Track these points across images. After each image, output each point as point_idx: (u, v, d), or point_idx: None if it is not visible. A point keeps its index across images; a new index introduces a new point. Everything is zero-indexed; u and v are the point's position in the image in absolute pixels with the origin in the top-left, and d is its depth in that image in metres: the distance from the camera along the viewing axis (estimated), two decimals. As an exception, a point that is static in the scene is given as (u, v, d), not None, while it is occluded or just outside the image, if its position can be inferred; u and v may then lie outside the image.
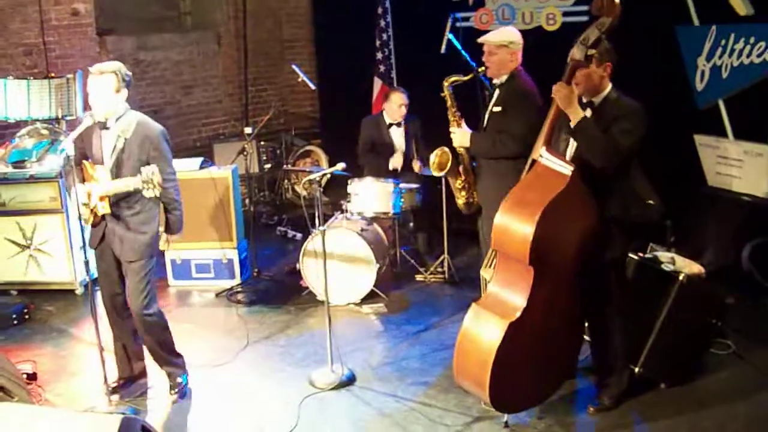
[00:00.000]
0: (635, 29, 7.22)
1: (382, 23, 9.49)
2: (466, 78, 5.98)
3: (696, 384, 5.31)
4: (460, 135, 5.90)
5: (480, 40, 5.83)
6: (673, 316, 5.16)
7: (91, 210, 5.11)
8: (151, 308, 5.26)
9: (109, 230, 5.16)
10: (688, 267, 5.31)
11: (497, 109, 5.69)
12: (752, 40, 6.70)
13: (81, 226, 5.06)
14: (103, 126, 5.10)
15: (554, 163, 4.57)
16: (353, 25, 9.82)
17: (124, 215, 5.12)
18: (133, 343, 5.50)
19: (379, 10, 9.44)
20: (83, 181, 5.17)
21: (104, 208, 5.02)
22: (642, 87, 7.17)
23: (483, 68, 5.81)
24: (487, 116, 5.81)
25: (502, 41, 5.64)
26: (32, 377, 5.66)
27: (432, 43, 8.72)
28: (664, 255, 5.58)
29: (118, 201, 5.08)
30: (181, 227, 5.38)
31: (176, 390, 5.43)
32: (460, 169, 6.10)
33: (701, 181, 7.26)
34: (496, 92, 5.76)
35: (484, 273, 5.10)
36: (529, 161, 4.79)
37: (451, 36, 8.45)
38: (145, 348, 5.50)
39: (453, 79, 5.99)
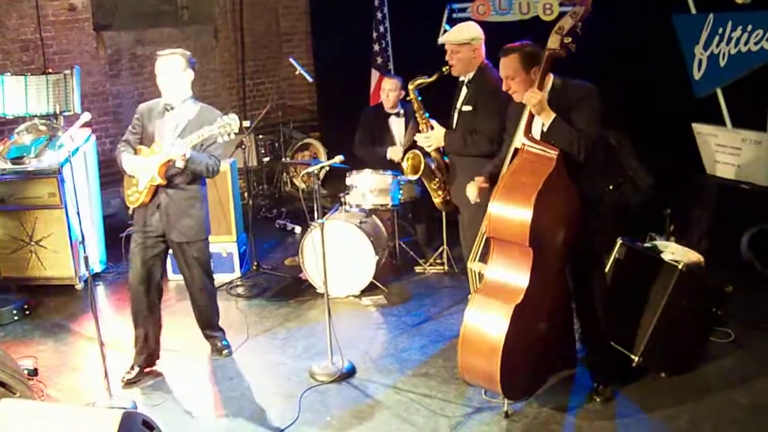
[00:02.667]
0: (633, 18, 7.26)
1: (379, 15, 9.49)
2: (431, 79, 5.99)
3: (696, 373, 5.31)
4: (435, 137, 5.92)
5: (440, 41, 5.86)
6: (673, 305, 5.16)
7: (144, 186, 5.34)
8: (212, 283, 5.83)
9: (163, 211, 5.41)
10: (687, 256, 5.31)
11: (467, 108, 5.69)
12: (750, 27, 6.70)
13: (79, 220, 5.08)
14: (169, 107, 5.38)
15: (539, 149, 4.63)
16: (350, 17, 9.83)
17: (175, 196, 5.39)
18: (152, 329, 5.62)
19: (376, 2, 9.45)
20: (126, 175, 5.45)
21: (160, 178, 5.26)
22: (640, 76, 7.24)
23: (446, 68, 5.77)
24: (456, 115, 5.80)
25: (463, 39, 5.63)
26: (33, 373, 5.66)
27: (429, 35, 8.73)
28: (663, 244, 5.58)
29: (171, 178, 5.33)
30: (200, 164, 5.35)
31: (224, 351, 5.92)
32: (434, 167, 6.12)
33: (700, 170, 7.27)
34: (464, 90, 5.75)
35: (472, 266, 5.10)
36: (511, 150, 4.83)
37: (448, 27, 8.48)
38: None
39: (418, 81, 6.04)
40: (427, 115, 6.15)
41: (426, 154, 6.18)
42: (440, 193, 6.24)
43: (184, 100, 5.41)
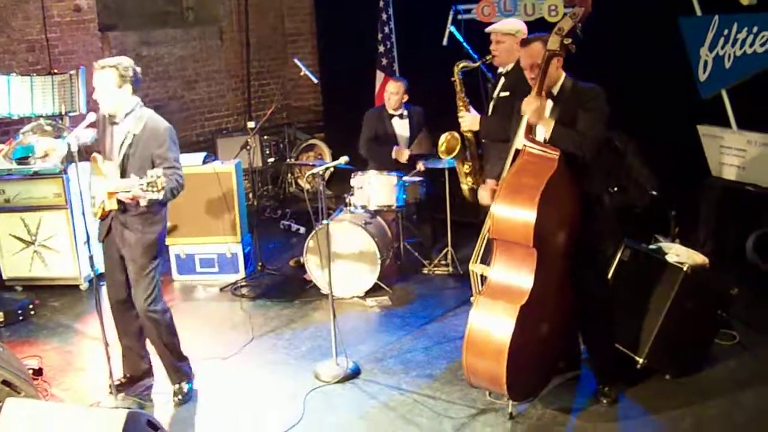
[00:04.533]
0: (639, 20, 7.26)
1: (384, 16, 9.50)
2: (475, 65, 6.23)
3: (701, 375, 5.30)
4: (470, 119, 6.11)
5: (488, 29, 6.05)
6: (677, 306, 5.15)
7: (99, 206, 5.12)
8: (156, 306, 5.21)
9: (115, 226, 5.15)
10: (692, 258, 5.30)
11: (505, 94, 5.85)
12: (755, 29, 6.69)
13: (85, 221, 5.05)
14: (113, 121, 5.11)
15: (540, 150, 4.66)
16: (355, 18, 9.83)
17: (130, 213, 5.09)
18: (136, 343, 5.46)
19: (381, 3, 9.46)
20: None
21: (111, 204, 5.01)
22: (645, 78, 7.23)
23: (490, 57, 5.97)
24: (493, 103, 5.97)
25: (510, 30, 5.89)
26: (38, 372, 5.68)
27: (434, 36, 8.73)
28: (668, 246, 5.59)
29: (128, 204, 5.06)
30: (167, 195, 5.00)
31: (180, 398, 5.32)
32: (467, 154, 6.19)
33: (705, 172, 7.26)
34: (502, 80, 5.93)
35: (474, 267, 5.10)
36: (512, 152, 4.85)
37: (452, 28, 8.49)
38: (150, 348, 5.49)
39: (463, 64, 6.20)
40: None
41: (463, 139, 6.26)
42: (469, 179, 6.30)
43: (127, 113, 5.06)
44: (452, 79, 6.20)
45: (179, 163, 5.16)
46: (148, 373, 5.56)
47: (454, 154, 6.38)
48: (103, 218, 5.20)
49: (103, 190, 5.00)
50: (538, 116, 4.65)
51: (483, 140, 6.22)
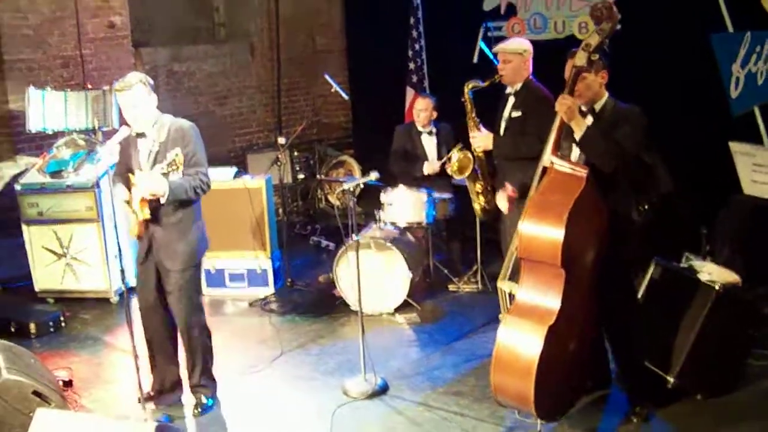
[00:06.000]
0: (670, 37, 7.23)
1: (415, 33, 9.52)
2: (485, 84, 6.16)
3: (733, 396, 5.23)
4: (482, 138, 6.13)
5: (495, 49, 6.13)
6: (710, 326, 5.10)
7: (135, 222, 5.15)
8: (193, 319, 5.29)
9: (153, 239, 5.19)
10: (723, 276, 5.25)
11: (516, 114, 5.89)
12: (788, 47, 6.64)
13: (116, 234, 5.09)
14: (141, 134, 5.15)
15: (568, 167, 4.64)
16: (386, 36, 9.86)
17: (164, 222, 5.15)
18: (166, 355, 5.49)
19: (411, 20, 9.48)
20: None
21: (144, 214, 5.05)
22: (677, 94, 7.19)
23: (498, 76, 5.98)
24: (504, 123, 5.98)
25: (517, 49, 5.93)
26: (68, 384, 5.73)
27: (464, 53, 8.74)
28: (699, 264, 5.53)
29: (157, 209, 5.10)
30: (182, 194, 5.08)
31: (198, 410, 5.34)
32: (479, 174, 6.19)
33: (736, 189, 7.19)
34: (511, 99, 5.97)
35: (502, 285, 5.09)
36: (539, 169, 4.84)
37: (483, 45, 8.50)
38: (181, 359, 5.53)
39: (472, 84, 6.21)
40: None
41: (475, 159, 6.27)
42: (481, 198, 6.31)
43: (154, 123, 5.15)
44: (462, 99, 6.22)
45: (205, 162, 5.23)
46: (178, 385, 5.57)
47: (467, 173, 6.39)
48: (139, 237, 5.24)
49: (137, 199, 5.03)
50: (571, 115, 4.63)
51: (495, 159, 6.23)
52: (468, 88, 6.22)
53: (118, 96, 5.08)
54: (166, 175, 4.90)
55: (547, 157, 4.76)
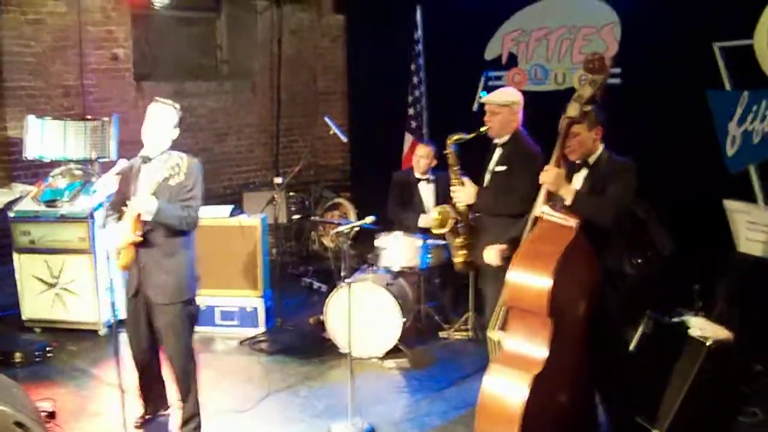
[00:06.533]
0: (667, 93, 7.28)
1: (415, 79, 9.57)
2: (469, 137, 6.01)
3: (722, 453, 5.21)
4: (464, 193, 5.89)
5: (482, 100, 5.96)
6: (700, 382, 5.08)
7: (122, 247, 5.06)
8: (183, 364, 5.28)
9: (142, 270, 5.14)
10: (715, 332, 5.24)
11: (501, 168, 5.74)
12: (785, 106, 6.70)
13: (108, 266, 5.06)
14: (147, 159, 5.11)
15: (558, 218, 4.64)
16: (387, 81, 9.91)
17: (153, 254, 5.10)
18: (157, 383, 5.53)
19: (413, 67, 9.53)
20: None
21: (133, 235, 4.97)
22: (672, 150, 7.23)
23: (484, 129, 5.82)
24: (488, 176, 5.85)
25: (505, 101, 5.74)
26: (51, 415, 5.66)
27: (464, 101, 8.79)
28: (691, 320, 5.52)
29: (150, 234, 5.05)
30: (169, 218, 5.05)
31: None
32: (460, 228, 6.14)
33: (730, 246, 7.20)
34: (498, 151, 5.81)
35: (491, 335, 5.06)
36: (531, 219, 4.84)
37: (483, 94, 8.52)
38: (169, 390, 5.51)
39: (456, 137, 6.07)
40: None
41: (456, 213, 6.20)
42: (463, 252, 6.24)
43: (162, 152, 5.13)
44: (445, 152, 6.14)
45: (200, 200, 5.20)
46: (165, 403, 5.63)
47: (447, 228, 6.32)
48: (125, 268, 5.18)
49: (130, 220, 4.97)
50: (557, 185, 4.66)
51: (476, 213, 6.11)
52: (451, 141, 6.06)
53: (152, 105, 5.15)
54: (165, 181, 4.92)
55: (539, 208, 4.76)
